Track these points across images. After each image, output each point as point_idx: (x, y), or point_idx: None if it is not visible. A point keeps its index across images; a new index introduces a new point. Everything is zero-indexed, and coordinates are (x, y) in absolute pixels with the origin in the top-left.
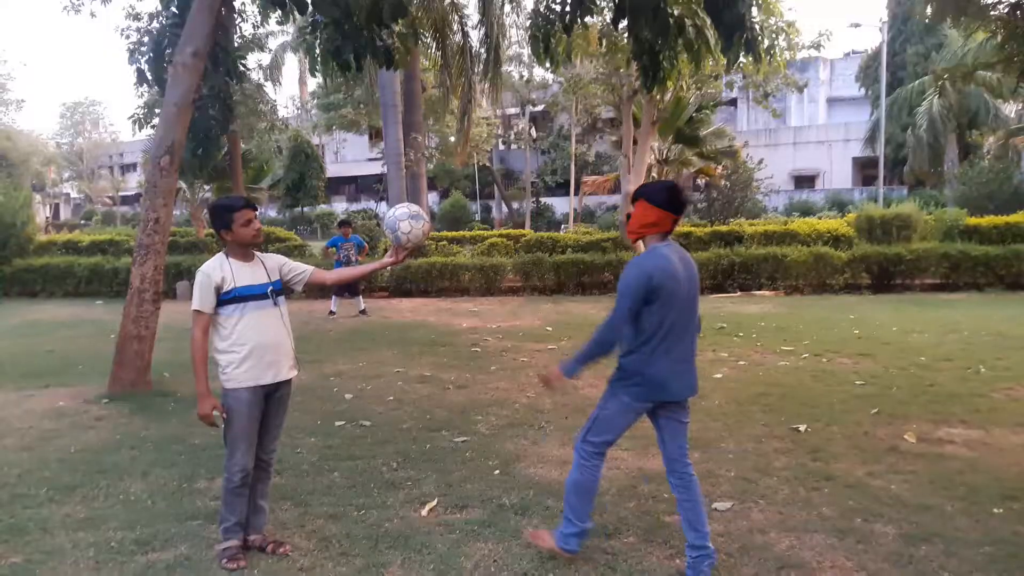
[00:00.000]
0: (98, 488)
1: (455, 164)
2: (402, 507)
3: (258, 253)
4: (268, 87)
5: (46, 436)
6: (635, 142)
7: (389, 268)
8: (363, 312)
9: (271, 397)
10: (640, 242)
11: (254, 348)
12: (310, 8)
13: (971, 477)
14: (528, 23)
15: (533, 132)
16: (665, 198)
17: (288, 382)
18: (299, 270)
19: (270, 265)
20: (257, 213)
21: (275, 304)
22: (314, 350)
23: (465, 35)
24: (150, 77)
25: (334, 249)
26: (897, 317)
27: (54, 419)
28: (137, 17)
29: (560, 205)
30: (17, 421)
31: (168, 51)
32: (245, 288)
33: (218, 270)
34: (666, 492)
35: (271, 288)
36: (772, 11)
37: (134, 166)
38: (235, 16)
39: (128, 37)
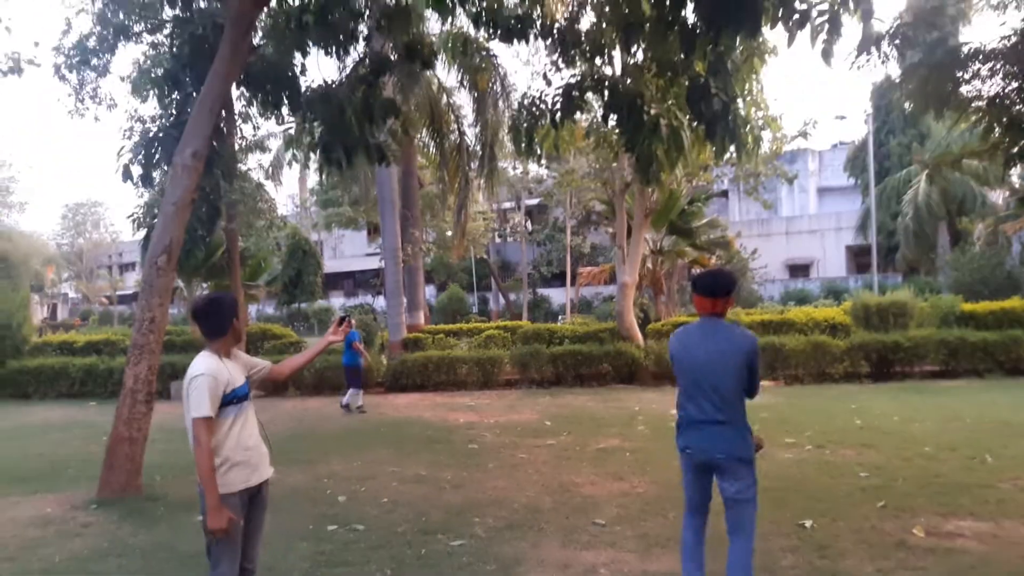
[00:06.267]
0: None
1: (452, 258)
2: None
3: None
4: (269, 186)
5: (30, 545)
6: (629, 233)
7: (385, 364)
8: (345, 407)
9: (253, 500)
10: None
11: (244, 450)
12: (303, 108)
13: (983, 572)
14: (511, 119)
15: (529, 225)
16: (695, 283)
17: (267, 481)
18: (260, 366)
19: (241, 362)
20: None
21: (250, 401)
22: (307, 449)
23: (462, 134)
24: (138, 176)
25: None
26: (898, 406)
27: (40, 527)
28: (140, 119)
29: (557, 296)
30: (1, 529)
31: (156, 151)
32: (238, 389)
33: (223, 370)
34: None
35: (248, 385)
36: (757, 103)
37: (133, 265)
38: (235, 117)
39: (130, 138)
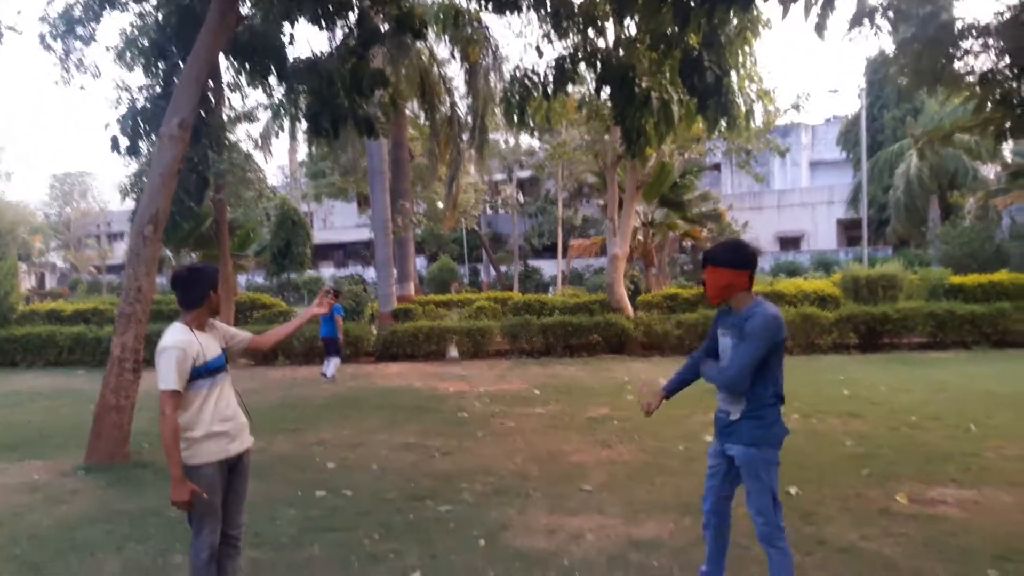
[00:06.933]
0: (69, 565)
1: (443, 229)
2: None
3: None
4: (259, 156)
5: (18, 511)
6: (621, 206)
7: (375, 335)
8: (331, 378)
9: (234, 469)
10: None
11: (221, 421)
12: (291, 78)
13: (964, 539)
14: (503, 91)
15: (520, 197)
16: (738, 258)
17: (248, 451)
18: (240, 337)
19: (218, 333)
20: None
21: (227, 372)
22: (297, 418)
23: (453, 105)
24: (125, 147)
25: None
26: (886, 376)
27: (27, 493)
28: (126, 89)
29: (548, 268)
30: None
31: (144, 122)
32: (213, 361)
33: (194, 343)
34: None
35: (225, 356)
36: (750, 76)
37: (121, 235)
38: (223, 87)
39: (117, 108)
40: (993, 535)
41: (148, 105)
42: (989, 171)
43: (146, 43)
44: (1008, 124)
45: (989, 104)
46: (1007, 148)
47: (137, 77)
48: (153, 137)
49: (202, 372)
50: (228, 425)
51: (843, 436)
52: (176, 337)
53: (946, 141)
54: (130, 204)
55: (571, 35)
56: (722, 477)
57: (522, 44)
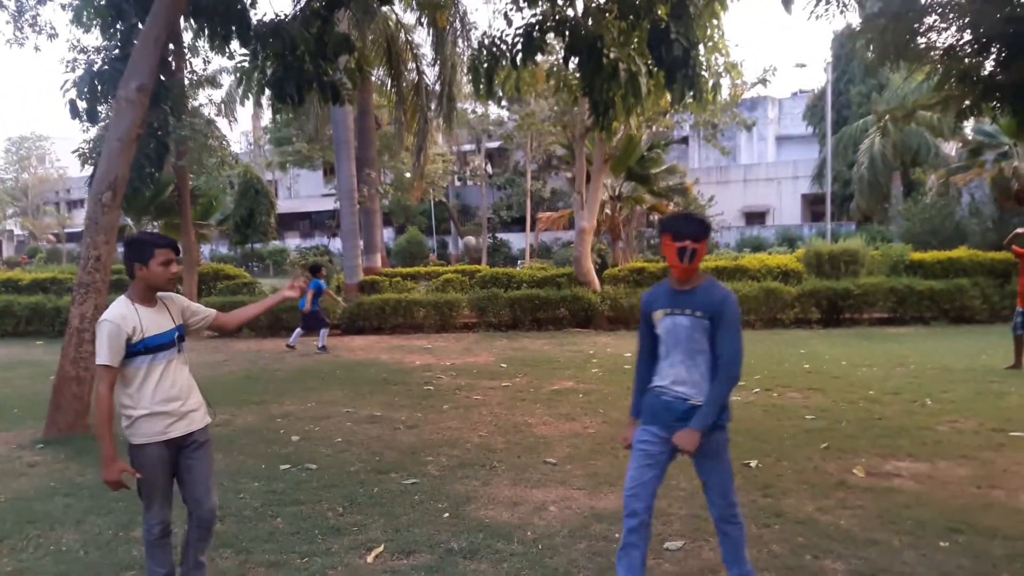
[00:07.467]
0: (27, 539)
1: (411, 200)
2: (347, 554)
3: (160, 294)
4: (222, 123)
5: None
6: (589, 179)
7: (342, 305)
8: (319, 348)
9: (185, 449)
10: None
11: (165, 401)
12: (253, 42)
13: (918, 511)
14: (470, 59)
15: (489, 168)
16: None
17: (204, 429)
18: (202, 314)
19: (174, 309)
20: (179, 257)
21: (179, 351)
22: (261, 390)
23: (420, 73)
24: (83, 111)
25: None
26: (846, 351)
27: None
28: (83, 50)
29: (516, 241)
30: None
31: (102, 85)
32: (154, 338)
33: (131, 317)
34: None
35: (178, 334)
36: (718, 49)
37: (81, 202)
38: (184, 51)
39: (73, 70)
40: (946, 508)
41: (106, 68)
42: (951, 148)
43: (103, 2)
44: (968, 102)
45: (952, 80)
46: (968, 126)
47: (94, 38)
48: (111, 101)
49: (139, 349)
50: (172, 406)
51: (803, 410)
52: (113, 311)
53: (908, 119)
54: (90, 170)
55: (540, 2)
56: (662, 467)
57: (491, 10)
